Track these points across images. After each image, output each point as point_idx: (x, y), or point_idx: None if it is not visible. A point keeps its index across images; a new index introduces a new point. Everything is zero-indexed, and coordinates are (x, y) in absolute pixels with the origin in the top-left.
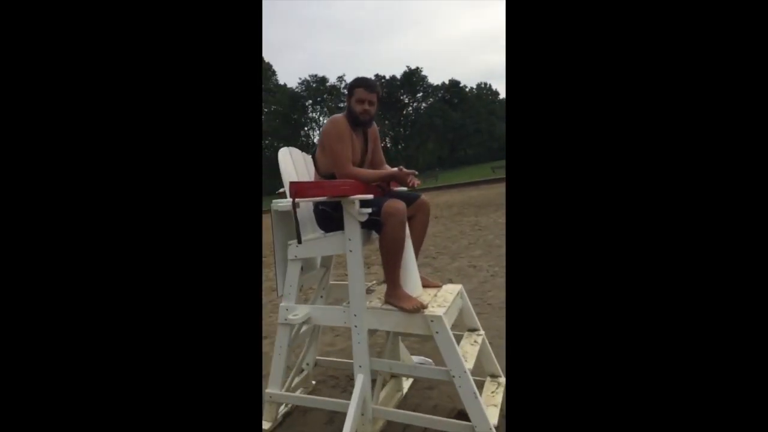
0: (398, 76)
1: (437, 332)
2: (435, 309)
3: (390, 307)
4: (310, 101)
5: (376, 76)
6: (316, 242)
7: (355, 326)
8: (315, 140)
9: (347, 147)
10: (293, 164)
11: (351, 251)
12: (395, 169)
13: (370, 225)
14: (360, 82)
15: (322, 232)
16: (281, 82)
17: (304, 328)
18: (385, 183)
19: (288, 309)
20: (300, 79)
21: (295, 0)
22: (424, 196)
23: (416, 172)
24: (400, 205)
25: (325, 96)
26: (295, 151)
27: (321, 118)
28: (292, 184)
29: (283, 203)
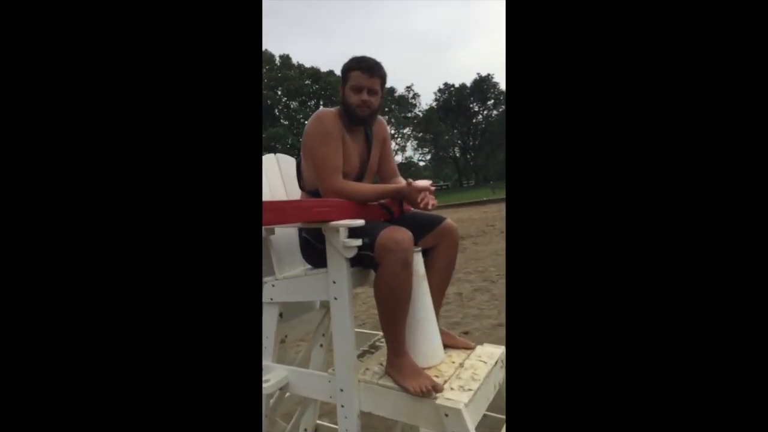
0: (468, 84)
1: None
2: (454, 395)
3: (389, 383)
4: None
5: (445, 84)
6: (296, 282)
7: (342, 406)
8: None
9: (334, 152)
10: (281, 175)
11: (336, 299)
12: (402, 183)
13: (362, 262)
14: (356, 64)
15: (310, 266)
16: None
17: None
18: (396, 203)
19: (264, 368)
20: None
21: (368, 15)
22: (450, 220)
23: (431, 188)
24: (402, 235)
25: (392, 106)
26: (286, 160)
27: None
28: None
29: None
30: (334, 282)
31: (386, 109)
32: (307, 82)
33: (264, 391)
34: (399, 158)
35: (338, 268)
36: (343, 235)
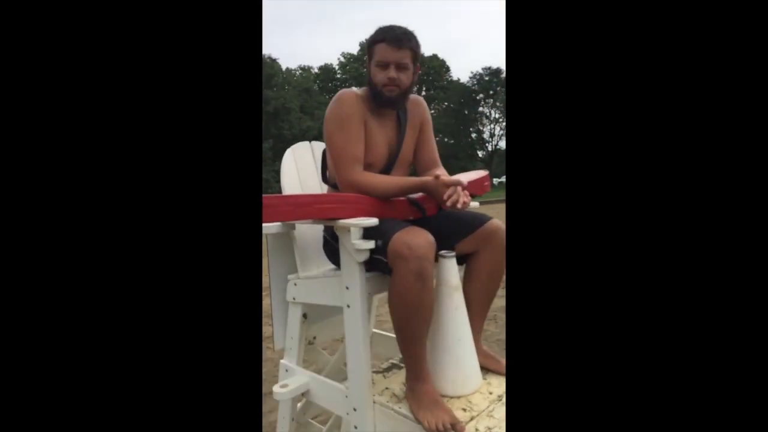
0: None
1: None
2: None
3: (406, 411)
4: (482, 95)
5: None
6: (314, 283)
7: (355, 427)
8: (485, 136)
9: (353, 139)
10: (315, 165)
11: (349, 306)
12: (430, 176)
13: (377, 267)
14: (380, 35)
15: (335, 266)
16: (455, 78)
17: None
18: (432, 199)
19: (288, 370)
20: (472, 72)
21: None
22: (495, 219)
23: (464, 182)
24: (418, 239)
25: (498, 89)
26: (322, 147)
27: (491, 112)
28: None
29: (273, 224)
30: (347, 288)
31: (491, 92)
32: None
33: (282, 397)
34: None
35: (351, 273)
36: (355, 235)
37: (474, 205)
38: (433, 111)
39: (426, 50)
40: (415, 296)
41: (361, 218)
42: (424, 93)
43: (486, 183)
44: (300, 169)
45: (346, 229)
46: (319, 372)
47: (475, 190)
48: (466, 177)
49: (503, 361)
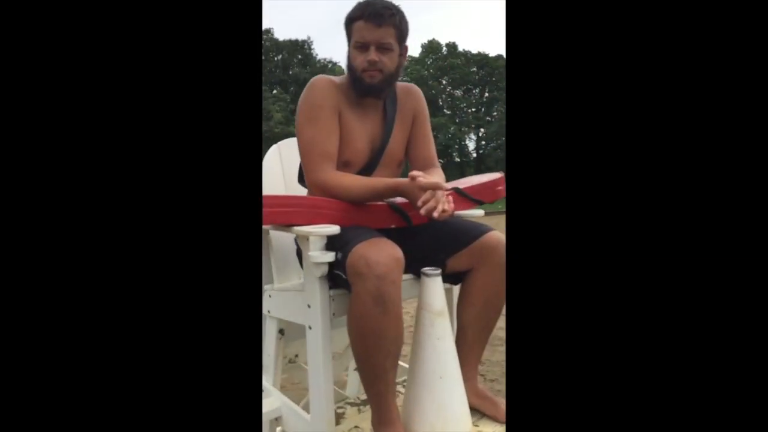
0: None
1: None
2: None
3: None
4: None
5: None
6: (286, 296)
7: None
8: None
9: (324, 133)
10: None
11: (310, 328)
12: (406, 177)
13: (339, 283)
14: (358, 12)
15: None
16: None
17: None
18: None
19: (264, 391)
20: None
21: None
22: (496, 231)
23: (445, 186)
24: (379, 254)
25: None
26: None
27: None
28: None
29: None
30: (309, 306)
31: None
32: (473, 69)
33: None
34: None
35: (312, 290)
36: (313, 245)
37: (478, 213)
38: (495, 113)
39: (491, 51)
40: (374, 324)
41: (321, 225)
42: (486, 95)
43: (500, 188)
44: (286, 168)
45: (305, 238)
46: (304, 394)
47: (484, 196)
48: (475, 180)
49: (502, 404)
